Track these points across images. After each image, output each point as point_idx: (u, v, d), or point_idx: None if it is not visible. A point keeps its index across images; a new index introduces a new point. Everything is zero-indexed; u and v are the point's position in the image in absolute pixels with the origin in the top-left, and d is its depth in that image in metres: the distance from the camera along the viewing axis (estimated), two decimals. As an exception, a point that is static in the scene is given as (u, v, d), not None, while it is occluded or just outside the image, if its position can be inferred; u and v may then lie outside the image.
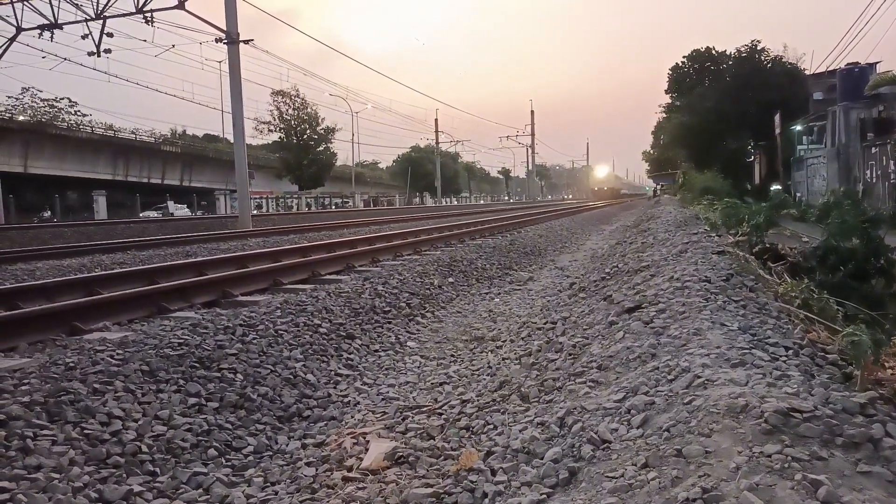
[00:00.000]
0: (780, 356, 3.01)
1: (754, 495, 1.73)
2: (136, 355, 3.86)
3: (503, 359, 4.63)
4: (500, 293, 8.14)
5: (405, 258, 9.48)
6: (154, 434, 3.21)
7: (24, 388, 3.26)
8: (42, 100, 45.53)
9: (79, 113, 47.09)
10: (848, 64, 25.27)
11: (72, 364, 3.62)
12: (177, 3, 18.58)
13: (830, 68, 28.51)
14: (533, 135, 55.35)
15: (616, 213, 30.56)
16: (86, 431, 3.05)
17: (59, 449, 2.88)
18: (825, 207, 15.21)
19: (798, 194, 24.04)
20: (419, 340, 5.76)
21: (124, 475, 2.89)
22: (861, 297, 6.00)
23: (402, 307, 6.58)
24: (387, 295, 6.72)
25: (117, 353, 3.86)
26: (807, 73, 35.44)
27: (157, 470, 3.00)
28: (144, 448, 3.08)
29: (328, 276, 7.65)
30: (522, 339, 5.14)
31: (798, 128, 29.95)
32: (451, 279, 8.35)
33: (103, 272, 7.34)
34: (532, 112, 59.87)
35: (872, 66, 25.27)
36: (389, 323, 6.05)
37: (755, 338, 3.29)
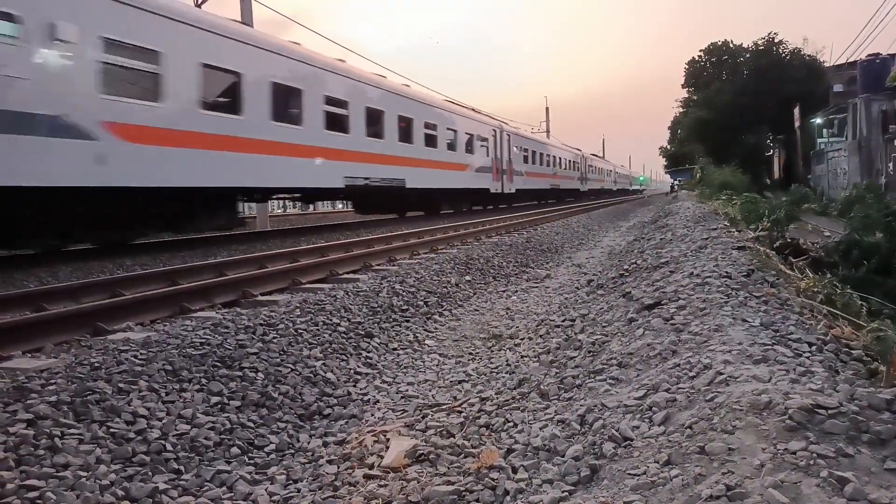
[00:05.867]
0: (804, 352, 2.98)
1: (779, 492, 1.71)
2: (160, 355, 3.91)
3: (522, 356, 4.63)
4: (517, 291, 8.13)
5: (422, 256, 9.50)
6: (178, 432, 3.25)
7: (51, 387, 3.32)
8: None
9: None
10: (869, 55, 24.88)
11: (97, 364, 3.68)
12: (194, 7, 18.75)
13: (851, 60, 28.10)
14: (548, 132, 54.61)
15: (633, 210, 30.36)
16: (112, 430, 3.10)
17: (85, 447, 2.93)
18: (847, 201, 15.03)
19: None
20: (437, 338, 5.77)
21: (150, 473, 2.93)
22: (885, 291, 5.91)
23: (419, 305, 6.59)
24: (404, 293, 6.74)
25: (141, 353, 3.91)
26: (826, 65, 34.95)
27: (182, 468, 3.04)
28: (169, 446, 3.13)
29: (346, 276, 7.68)
30: (541, 336, 5.13)
31: (818, 121, 29.55)
32: (468, 277, 8.35)
33: (125, 274, 7.44)
34: (547, 109, 59.16)
35: (894, 56, 24.82)
36: (407, 321, 6.07)
37: (777, 334, 3.26)
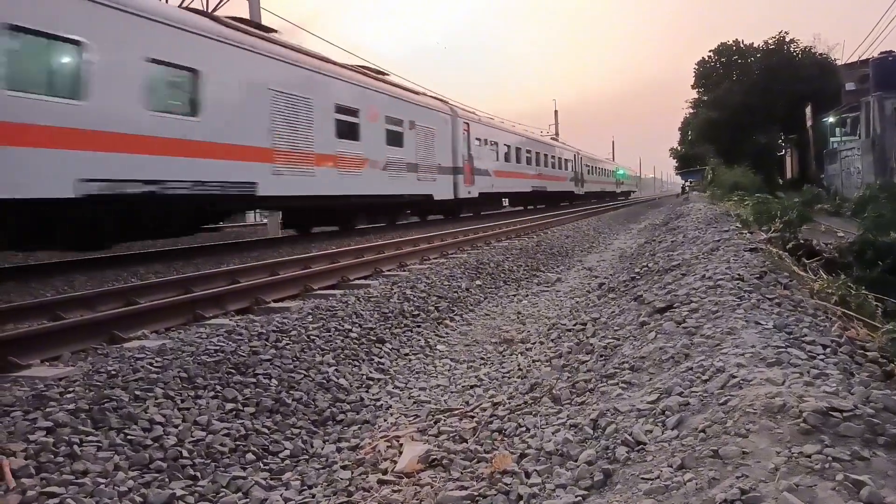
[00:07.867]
0: (818, 354, 2.96)
1: (794, 496, 1.71)
2: (175, 362, 3.95)
3: (533, 361, 4.63)
4: (527, 295, 8.13)
5: (432, 262, 9.51)
6: (194, 439, 3.29)
7: (69, 395, 3.37)
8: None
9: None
10: (881, 52, 24.66)
11: (113, 372, 3.73)
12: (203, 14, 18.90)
13: (863, 58, 27.87)
14: (557, 135, 54.26)
15: (643, 212, 30.22)
16: (129, 437, 3.14)
17: (104, 454, 2.97)
18: (861, 201, 14.89)
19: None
20: (448, 343, 5.78)
21: (167, 479, 2.97)
22: (900, 292, 5.84)
23: (430, 311, 6.61)
24: (415, 299, 6.76)
25: (156, 361, 3.96)
26: (838, 63, 34.66)
27: (198, 474, 3.07)
28: (185, 453, 3.16)
29: (357, 281, 7.72)
30: (552, 340, 5.13)
31: (830, 120, 29.31)
32: (478, 282, 8.36)
33: (140, 282, 7.52)
34: (556, 112, 59.04)
35: (907, 53, 24.55)
36: (419, 326, 6.09)
37: (791, 336, 3.24)
